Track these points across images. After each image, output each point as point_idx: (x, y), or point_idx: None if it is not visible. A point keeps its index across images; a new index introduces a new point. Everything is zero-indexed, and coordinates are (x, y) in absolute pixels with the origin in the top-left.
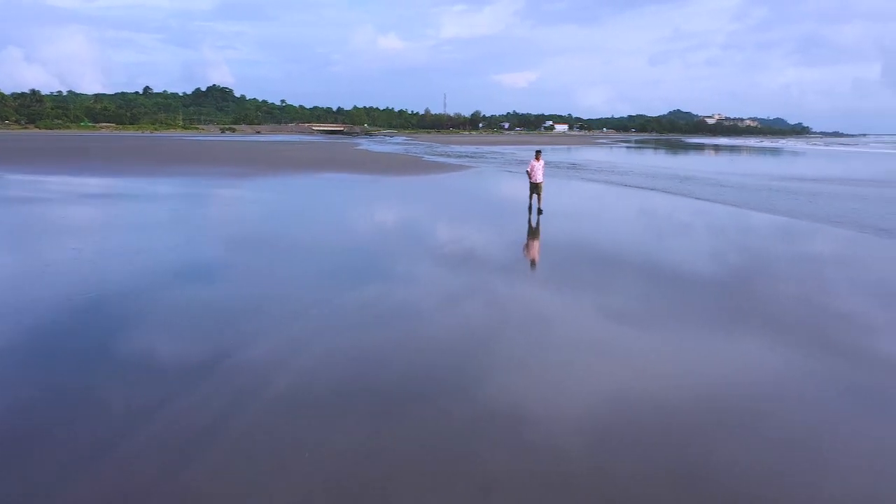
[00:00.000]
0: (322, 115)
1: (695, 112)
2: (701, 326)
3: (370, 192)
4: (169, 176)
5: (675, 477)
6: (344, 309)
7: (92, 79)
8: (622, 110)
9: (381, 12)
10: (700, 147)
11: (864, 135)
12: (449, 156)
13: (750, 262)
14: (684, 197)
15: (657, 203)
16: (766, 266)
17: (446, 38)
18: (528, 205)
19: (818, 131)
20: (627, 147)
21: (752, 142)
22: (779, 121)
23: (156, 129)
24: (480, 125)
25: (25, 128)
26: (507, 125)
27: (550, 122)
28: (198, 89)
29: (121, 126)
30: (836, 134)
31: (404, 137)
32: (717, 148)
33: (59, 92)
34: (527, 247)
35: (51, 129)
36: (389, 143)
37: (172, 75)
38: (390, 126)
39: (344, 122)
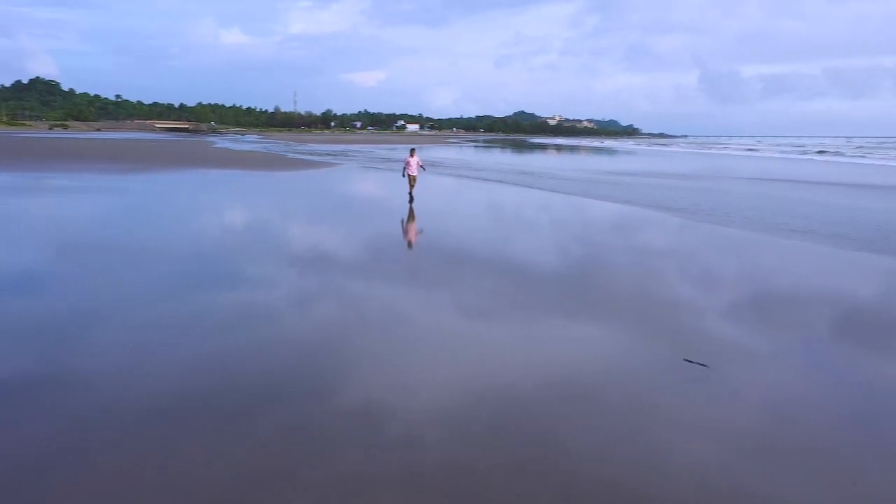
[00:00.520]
0: (163, 112)
1: (538, 113)
2: (534, 308)
3: (254, 186)
4: (54, 172)
5: (529, 463)
6: (204, 309)
7: None
8: (470, 111)
9: (221, 5)
10: (543, 146)
11: (685, 136)
12: (312, 154)
13: (574, 239)
14: (529, 188)
15: (507, 192)
16: (589, 242)
17: (293, 35)
18: (408, 193)
19: (646, 132)
20: (476, 146)
21: (587, 142)
22: (613, 122)
23: None
24: (333, 124)
25: None
26: (359, 124)
27: (402, 122)
28: (18, 82)
29: None
30: (661, 135)
31: (256, 136)
32: (558, 147)
33: None
34: (406, 231)
35: None
36: (244, 141)
37: None
38: (238, 124)
39: (189, 120)
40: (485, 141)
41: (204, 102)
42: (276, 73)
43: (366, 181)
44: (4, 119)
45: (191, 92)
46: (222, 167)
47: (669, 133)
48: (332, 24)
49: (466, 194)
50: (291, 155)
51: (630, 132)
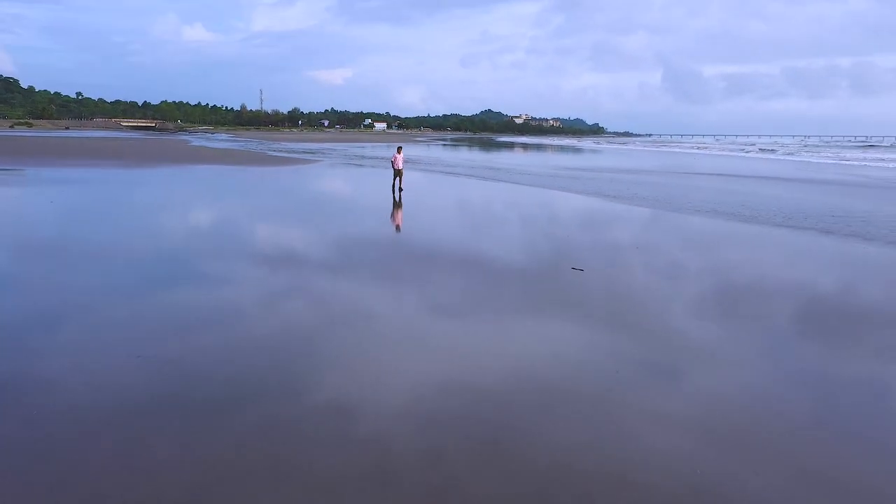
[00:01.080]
0: (127, 110)
1: (505, 112)
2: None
3: (252, 179)
4: (69, 167)
5: (498, 455)
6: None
7: None
8: (437, 109)
9: (184, 0)
10: (510, 145)
11: (650, 134)
12: (290, 151)
13: (533, 223)
14: (497, 181)
15: (477, 185)
16: (543, 226)
17: (258, 32)
18: (391, 185)
19: (612, 131)
20: (444, 144)
21: (552, 140)
22: (579, 121)
23: None
24: (300, 123)
25: None
26: (326, 122)
27: (369, 121)
28: None
29: None
30: (626, 133)
31: (226, 135)
32: (525, 146)
33: None
34: (393, 216)
35: None
36: (217, 140)
37: None
38: (205, 122)
39: (154, 118)
40: (453, 140)
41: (168, 100)
42: (241, 71)
43: (350, 175)
44: None
45: (154, 90)
46: (212, 163)
47: (634, 132)
48: (297, 21)
49: (443, 187)
50: (271, 153)
51: (596, 131)
